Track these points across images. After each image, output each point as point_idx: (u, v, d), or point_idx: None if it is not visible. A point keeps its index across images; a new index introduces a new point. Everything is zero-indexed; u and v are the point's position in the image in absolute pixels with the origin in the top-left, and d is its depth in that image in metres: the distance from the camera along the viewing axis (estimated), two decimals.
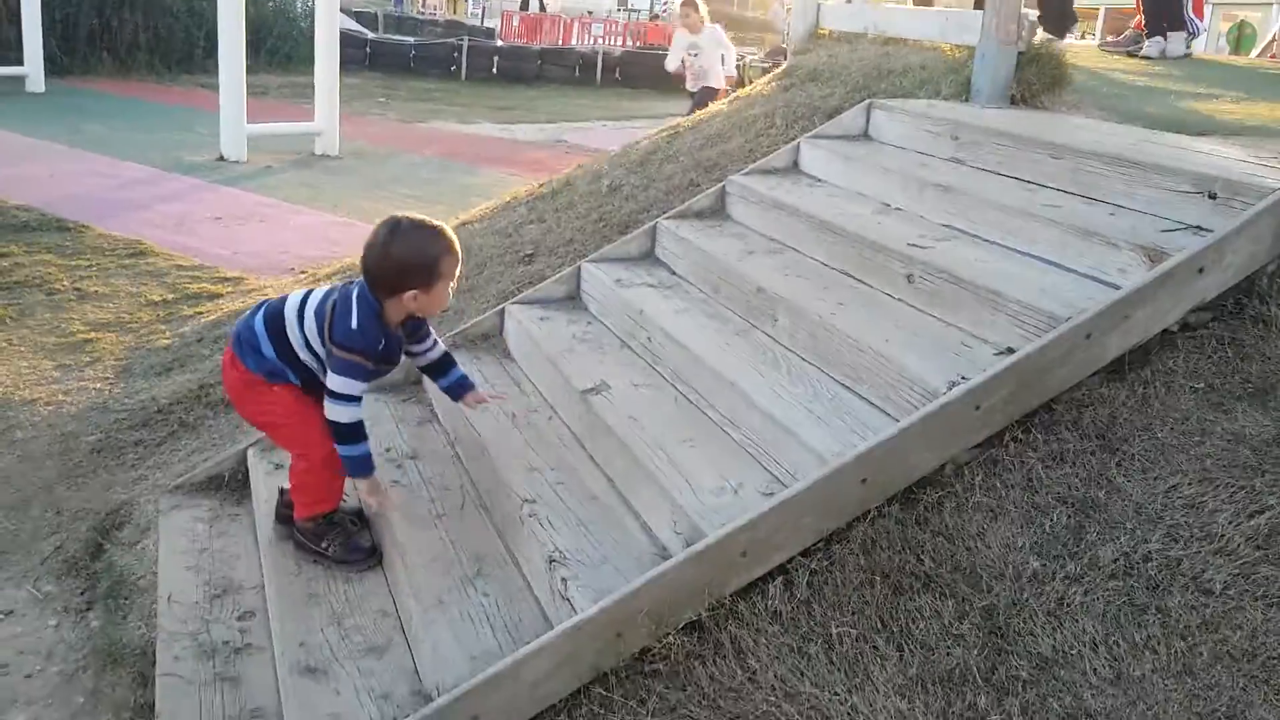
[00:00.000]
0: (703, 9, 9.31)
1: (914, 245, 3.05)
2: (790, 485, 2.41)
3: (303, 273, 6.29)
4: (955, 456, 2.43)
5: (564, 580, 2.35)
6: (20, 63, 14.68)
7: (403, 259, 2.61)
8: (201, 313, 5.42)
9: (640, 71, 21.89)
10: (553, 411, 3.21)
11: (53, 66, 15.02)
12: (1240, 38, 19.44)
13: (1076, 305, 2.53)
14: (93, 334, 5.10)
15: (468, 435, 3.16)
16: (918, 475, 2.40)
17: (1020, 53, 4.17)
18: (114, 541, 3.31)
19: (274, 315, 2.75)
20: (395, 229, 2.64)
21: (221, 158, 10.35)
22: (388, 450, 3.23)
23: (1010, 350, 2.53)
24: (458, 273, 2.71)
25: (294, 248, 7.10)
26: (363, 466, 2.76)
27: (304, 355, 2.73)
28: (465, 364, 3.53)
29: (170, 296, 5.73)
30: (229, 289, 5.93)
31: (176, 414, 4.07)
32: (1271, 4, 22.38)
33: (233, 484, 3.43)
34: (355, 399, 2.67)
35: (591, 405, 2.97)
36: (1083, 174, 3.19)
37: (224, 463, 3.49)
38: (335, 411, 2.67)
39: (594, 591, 2.29)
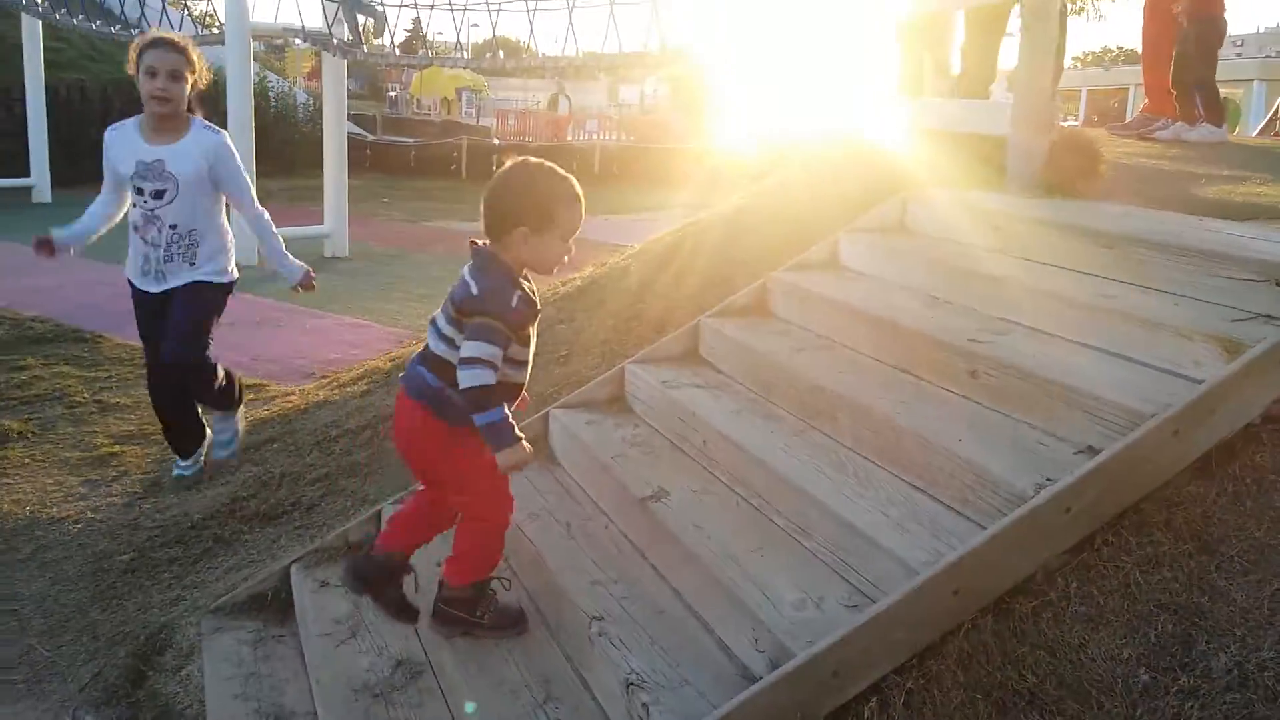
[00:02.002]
0: None
1: (973, 340, 2.99)
2: (875, 597, 2.33)
3: (323, 378, 6.24)
4: (1046, 563, 2.33)
5: (645, 706, 2.25)
6: (27, 173, 14.84)
7: (517, 190, 2.54)
8: None
9: (638, 164, 22.22)
10: (609, 520, 3.12)
11: (58, 177, 15.16)
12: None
13: (1157, 400, 2.46)
14: (117, 447, 5.02)
15: (522, 546, 3.06)
16: (1009, 584, 2.31)
17: (1051, 141, 4.16)
18: (155, 667, 3.19)
19: (434, 359, 2.61)
20: (521, 163, 2.58)
21: None
22: (438, 565, 3.12)
23: (1091, 449, 2.45)
24: (574, 235, 2.61)
25: (311, 352, 7.06)
26: (505, 434, 2.49)
27: None
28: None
29: None
30: (250, 396, 5.84)
31: (210, 529, 3.98)
32: (1252, 80, 22.95)
33: (276, 604, 3.33)
34: (487, 363, 2.45)
35: (652, 513, 2.88)
36: (1137, 263, 3.15)
37: (266, 581, 3.39)
38: (467, 377, 2.46)
39: (678, 717, 2.19)
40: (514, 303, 2.52)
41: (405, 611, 2.88)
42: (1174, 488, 2.43)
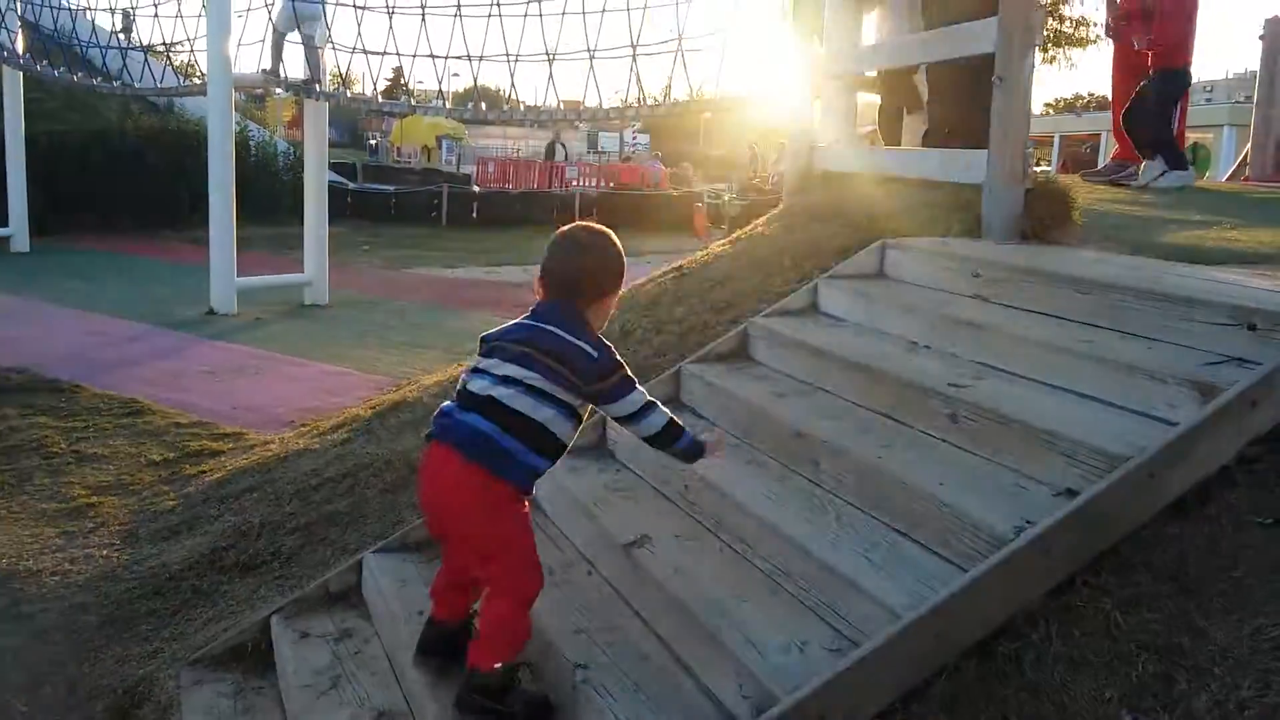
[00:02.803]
0: None
1: (953, 385, 3.02)
2: (858, 641, 2.33)
3: (303, 425, 6.21)
4: (1027, 605, 2.35)
5: None
6: (5, 223, 14.80)
7: (614, 261, 2.67)
8: (204, 471, 5.32)
9: (617, 211, 22.30)
10: (591, 566, 3.12)
11: (37, 226, 15.11)
12: (1195, 160, 20.23)
13: (1132, 443, 2.49)
14: (94, 498, 4.98)
15: None
16: (992, 626, 2.32)
17: (1027, 189, 4.23)
18: None
19: (505, 412, 2.45)
20: (589, 239, 2.67)
21: (211, 311, 10.35)
22: (421, 614, 3.11)
23: (1070, 491, 2.48)
24: None
25: (290, 400, 7.04)
26: (699, 447, 2.77)
27: (557, 427, 2.52)
28: None
29: (171, 455, 5.63)
30: (230, 445, 5.83)
31: (189, 580, 3.95)
32: (1222, 126, 23.37)
33: (256, 655, 3.30)
34: (652, 403, 2.64)
35: (635, 559, 2.88)
36: (1113, 308, 3.19)
37: (245, 632, 3.36)
38: (648, 425, 2.66)
39: None
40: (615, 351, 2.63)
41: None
42: (1152, 529, 2.45)
